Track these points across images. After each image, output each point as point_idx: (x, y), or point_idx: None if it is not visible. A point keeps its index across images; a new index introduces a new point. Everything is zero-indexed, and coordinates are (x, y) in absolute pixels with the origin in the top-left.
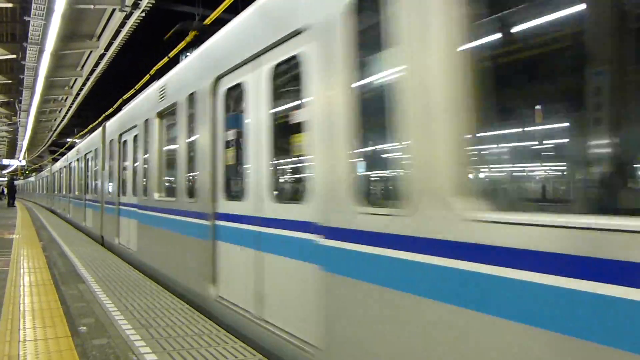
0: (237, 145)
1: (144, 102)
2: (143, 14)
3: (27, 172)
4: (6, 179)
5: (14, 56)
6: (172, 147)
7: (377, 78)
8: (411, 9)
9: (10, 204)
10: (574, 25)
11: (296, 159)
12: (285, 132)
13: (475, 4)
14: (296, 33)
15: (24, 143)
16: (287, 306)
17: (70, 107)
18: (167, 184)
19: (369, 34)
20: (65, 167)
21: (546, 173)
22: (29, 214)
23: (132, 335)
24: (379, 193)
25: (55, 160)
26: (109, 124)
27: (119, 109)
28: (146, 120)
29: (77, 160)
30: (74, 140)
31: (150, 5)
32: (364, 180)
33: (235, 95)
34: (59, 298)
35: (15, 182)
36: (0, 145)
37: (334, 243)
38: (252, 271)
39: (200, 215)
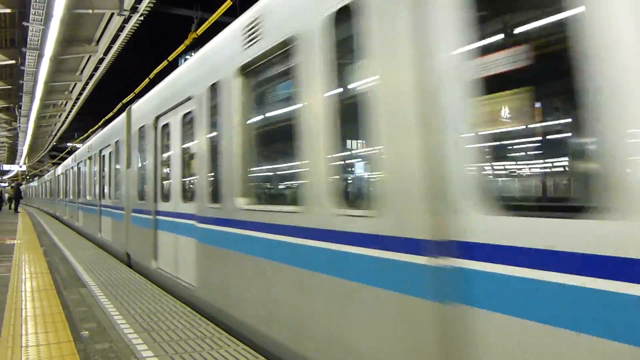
0: None
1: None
2: (142, 18)
3: (27, 177)
4: (7, 184)
5: (13, 62)
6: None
7: None
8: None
9: (15, 210)
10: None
11: None
12: None
13: None
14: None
15: (24, 148)
16: None
17: (70, 111)
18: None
19: None
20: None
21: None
22: (30, 219)
23: (134, 339)
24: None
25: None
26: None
27: (119, 113)
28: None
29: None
30: (75, 144)
31: (149, 9)
32: None
33: None
34: (61, 303)
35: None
36: (1, 150)
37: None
38: None
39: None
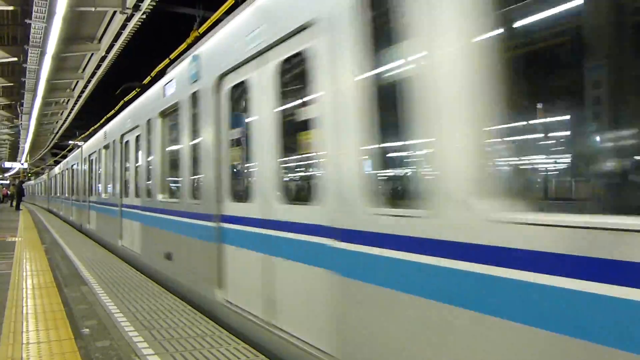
0: None
1: None
2: (144, 16)
3: (29, 174)
4: (8, 182)
5: (16, 59)
6: None
7: None
8: None
9: (17, 208)
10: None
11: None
12: None
13: None
14: None
15: (26, 146)
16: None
17: (72, 109)
18: None
19: None
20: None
21: None
22: (32, 216)
23: (134, 337)
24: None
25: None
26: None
27: (120, 111)
28: None
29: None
30: (76, 142)
31: (151, 7)
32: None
33: None
34: (62, 300)
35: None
36: (2, 148)
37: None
38: None
39: None
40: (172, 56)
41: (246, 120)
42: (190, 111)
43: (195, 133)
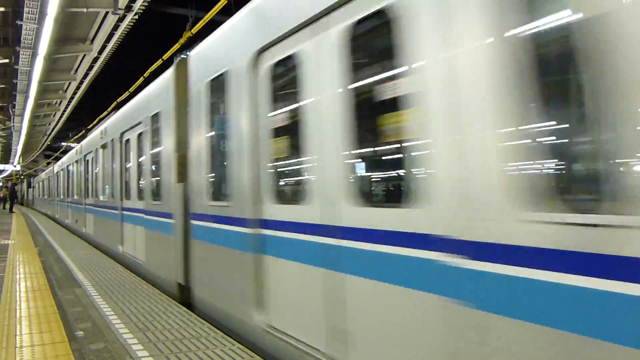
0: None
1: None
2: (136, 17)
3: (22, 176)
4: (1, 183)
5: (7, 60)
6: None
7: None
8: None
9: (10, 210)
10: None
11: None
12: None
13: None
14: None
15: (19, 148)
16: None
17: (64, 111)
18: None
19: None
20: None
21: None
22: (25, 219)
23: (129, 339)
24: None
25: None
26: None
27: (113, 112)
28: None
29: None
30: (69, 144)
31: (144, 8)
32: None
33: None
34: (56, 303)
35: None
36: None
37: None
38: None
39: None
40: (165, 57)
41: (296, 103)
42: (213, 98)
43: (221, 124)
